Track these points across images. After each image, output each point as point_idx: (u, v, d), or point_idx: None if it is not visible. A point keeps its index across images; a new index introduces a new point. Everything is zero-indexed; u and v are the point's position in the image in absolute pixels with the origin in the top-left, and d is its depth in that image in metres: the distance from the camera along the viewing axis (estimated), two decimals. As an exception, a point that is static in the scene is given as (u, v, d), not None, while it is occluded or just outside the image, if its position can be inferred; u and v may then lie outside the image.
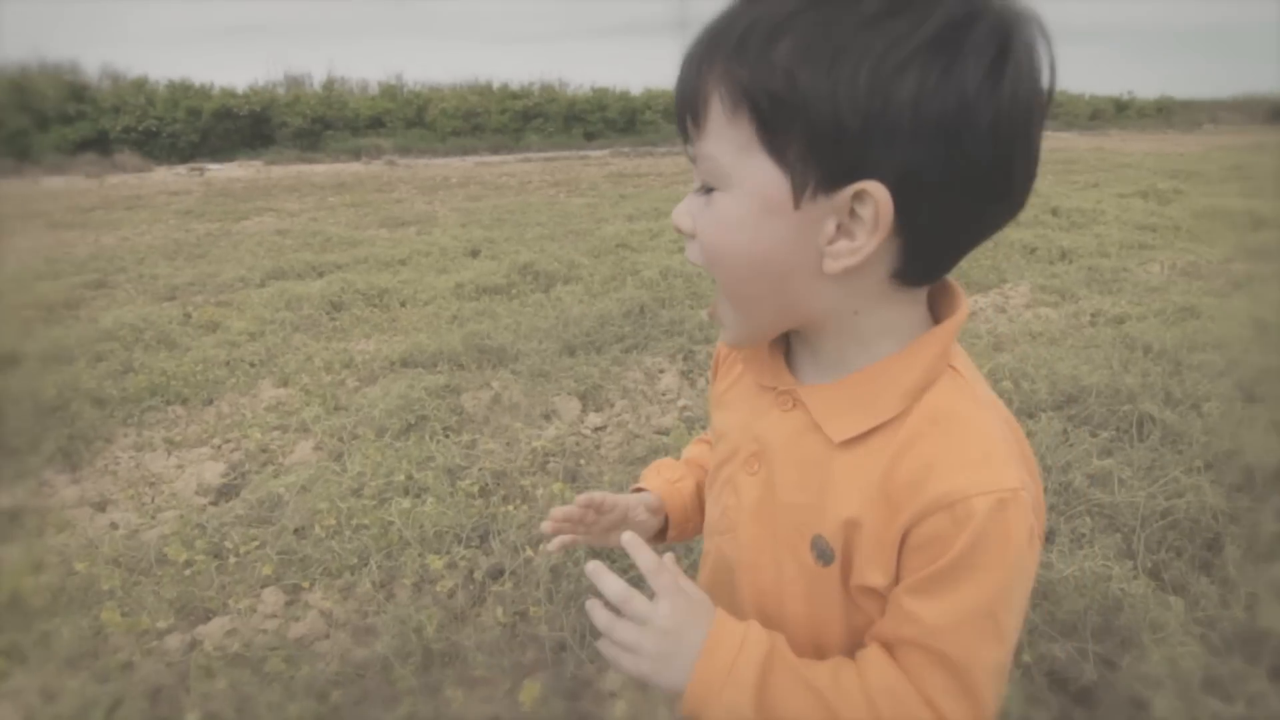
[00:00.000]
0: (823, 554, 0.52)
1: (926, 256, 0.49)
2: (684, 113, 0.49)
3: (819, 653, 0.54)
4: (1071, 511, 1.79)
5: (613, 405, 2.89)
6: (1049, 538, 1.75)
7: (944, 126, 0.43)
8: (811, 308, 0.51)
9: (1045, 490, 1.86)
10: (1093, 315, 4.02)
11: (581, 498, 0.70)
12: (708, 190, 0.50)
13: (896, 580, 0.50)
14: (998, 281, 4.84)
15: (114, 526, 2.06)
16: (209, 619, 1.64)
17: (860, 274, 0.48)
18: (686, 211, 0.52)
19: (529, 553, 1.74)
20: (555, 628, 1.53)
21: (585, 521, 0.70)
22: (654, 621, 0.52)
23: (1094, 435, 2.12)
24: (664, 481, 0.76)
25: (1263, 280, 4.80)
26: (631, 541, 0.57)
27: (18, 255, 6.76)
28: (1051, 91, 0.46)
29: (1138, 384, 2.42)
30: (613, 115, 21.01)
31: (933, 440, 0.49)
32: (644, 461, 2.34)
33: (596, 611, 0.55)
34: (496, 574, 1.72)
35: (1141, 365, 2.74)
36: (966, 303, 0.53)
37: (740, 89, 0.45)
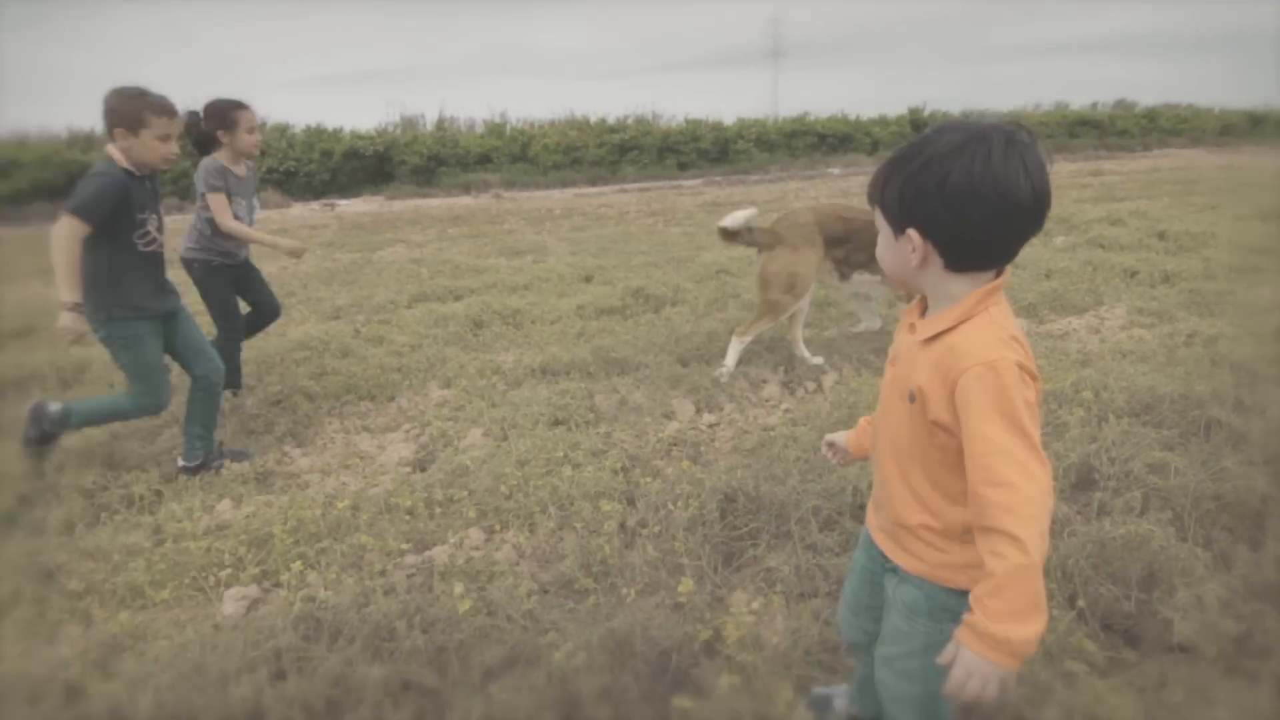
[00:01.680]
0: (911, 398, 1.03)
1: (956, 259, 1.00)
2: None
3: (923, 458, 1.04)
4: (1128, 493, 2.09)
5: (722, 408, 3.33)
6: (1103, 510, 2.05)
7: (937, 202, 0.97)
8: (917, 283, 1.05)
9: (1109, 477, 2.16)
10: (1188, 336, 4.11)
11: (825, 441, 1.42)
12: None
13: (957, 422, 0.96)
14: (1094, 304, 4.96)
15: (345, 485, 2.69)
16: (433, 547, 2.20)
17: (930, 267, 1.02)
18: None
19: (670, 508, 2.22)
20: (694, 559, 1.99)
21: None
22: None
23: (1158, 432, 2.38)
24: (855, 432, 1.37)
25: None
26: None
27: (203, 282, 7.98)
28: (996, 175, 0.94)
29: (1209, 392, 2.64)
30: (705, 145, 21.63)
31: (959, 340, 0.98)
32: (753, 452, 2.77)
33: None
34: (643, 524, 2.20)
35: (1220, 378, 2.93)
36: (1002, 278, 1.01)
37: (874, 197, 1.06)
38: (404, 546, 2.17)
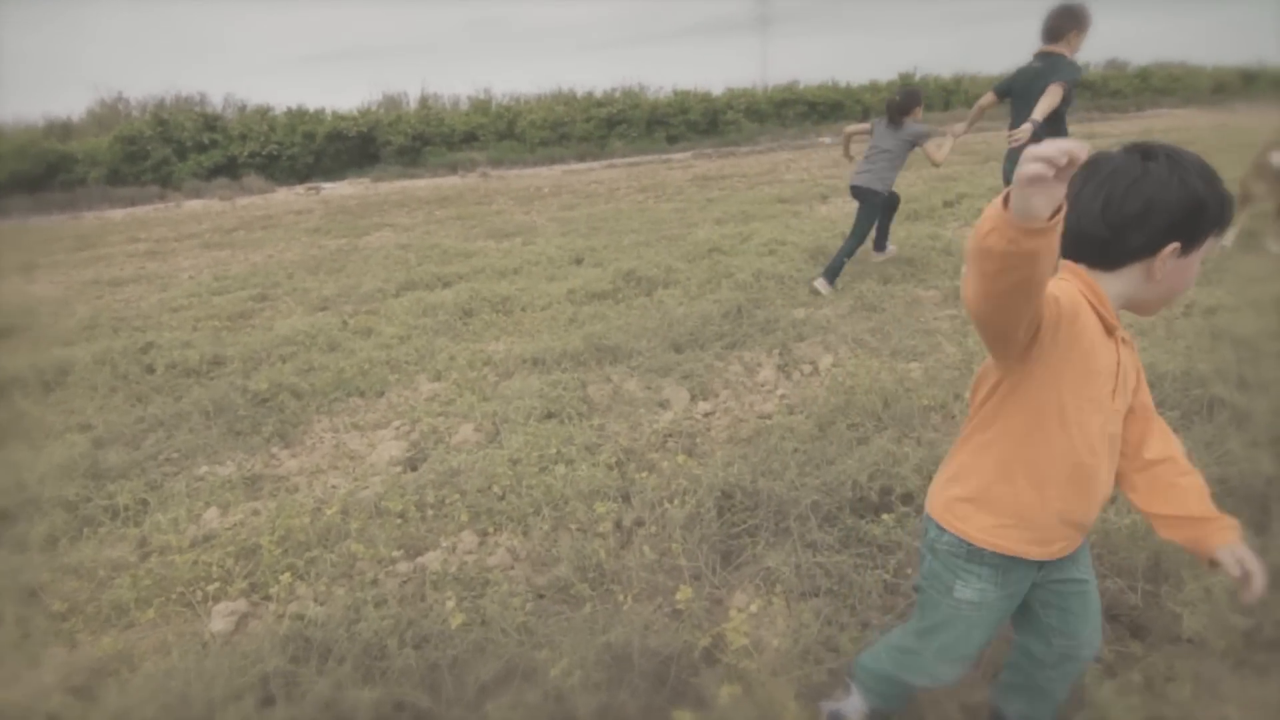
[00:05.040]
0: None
1: None
2: None
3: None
4: (1133, 478, 2.04)
5: (718, 395, 3.28)
6: (1112, 499, 2.02)
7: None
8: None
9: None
10: (1186, 307, 4.06)
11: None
12: None
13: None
14: (1089, 274, 4.91)
15: (334, 488, 2.63)
16: (425, 552, 2.16)
17: None
18: None
19: (666, 506, 2.17)
20: (692, 560, 1.95)
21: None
22: None
23: (1161, 413, 2.34)
24: None
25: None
26: None
27: (187, 273, 7.84)
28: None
29: (1212, 369, 2.60)
30: (694, 117, 21.33)
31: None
32: (750, 441, 2.72)
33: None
34: (639, 524, 2.16)
35: (1222, 353, 2.89)
36: None
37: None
38: (395, 554, 2.13)
